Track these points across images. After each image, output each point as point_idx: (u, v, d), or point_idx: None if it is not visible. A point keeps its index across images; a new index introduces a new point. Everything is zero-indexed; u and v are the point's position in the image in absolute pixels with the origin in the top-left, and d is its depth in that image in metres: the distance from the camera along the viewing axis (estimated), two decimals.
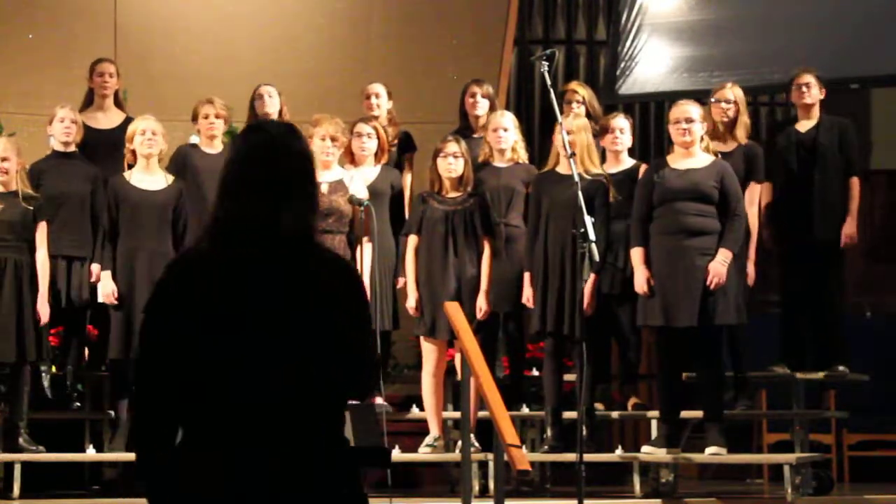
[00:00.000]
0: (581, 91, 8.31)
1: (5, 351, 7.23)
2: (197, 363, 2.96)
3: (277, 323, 2.97)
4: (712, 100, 7.78)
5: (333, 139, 7.56)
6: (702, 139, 7.22)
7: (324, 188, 7.44)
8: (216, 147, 7.95)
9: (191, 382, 2.97)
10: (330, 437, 3.03)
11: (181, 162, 7.83)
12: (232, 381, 2.95)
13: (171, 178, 7.55)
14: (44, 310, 7.34)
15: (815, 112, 8.03)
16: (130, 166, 7.60)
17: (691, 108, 7.20)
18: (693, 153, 7.18)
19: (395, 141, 8.35)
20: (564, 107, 8.25)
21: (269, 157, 3.08)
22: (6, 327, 7.23)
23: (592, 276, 6.91)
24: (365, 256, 7.15)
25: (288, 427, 2.94)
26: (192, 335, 2.96)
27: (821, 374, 8.04)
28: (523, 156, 7.82)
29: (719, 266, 6.99)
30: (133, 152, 7.52)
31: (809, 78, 8.00)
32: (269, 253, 3.01)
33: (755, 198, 7.70)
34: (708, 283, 6.97)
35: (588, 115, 8.08)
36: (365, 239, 7.21)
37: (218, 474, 2.94)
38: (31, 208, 7.37)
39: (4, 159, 7.35)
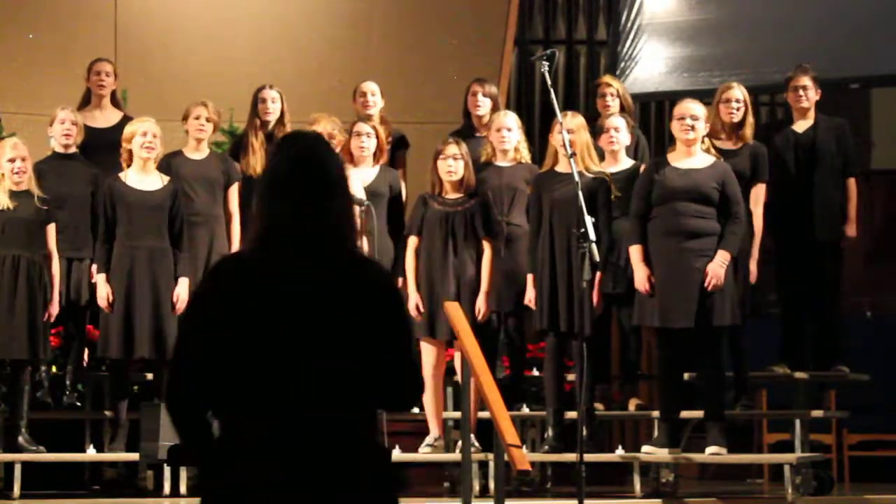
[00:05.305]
0: (615, 84, 8.36)
1: (18, 348, 7.25)
2: (234, 364, 3.01)
3: (316, 328, 3.02)
4: (721, 99, 7.77)
5: (331, 137, 7.57)
6: (703, 140, 7.23)
7: None
8: (202, 151, 7.96)
9: (227, 383, 3.02)
10: (366, 443, 3.07)
11: (164, 172, 7.79)
12: (269, 384, 3.00)
13: (166, 179, 7.56)
14: (55, 310, 7.40)
15: (812, 113, 8.04)
16: (127, 165, 7.60)
17: (696, 107, 7.21)
18: (693, 153, 7.18)
19: (389, 139, 8.35)
20: (598, 100, 8.32)
21: (310, 165, 3.15)
22: (19, 326, 7.26)
23: (598, 274, 6.91)
24: None
25: (324, 430, 2.99)
26: (232, 335, 3.01)
27: (821, 374, 8.05)
28: (526, 156, 7.83)
29: (718, 268, 6.99)
30: (129, 152, 7.52)
31: (807, 80, 8.00)
32: (311, 258, 3.08)
33: (760, 197, 7.71)
34: (706, 284, 6.97)
35: (622, 108, 8.12)
36: (360, 238, 7.26)
37: (242, 479, 2.97)
38: (45, 208, 7.41)
39: (23, 159, 7.39)
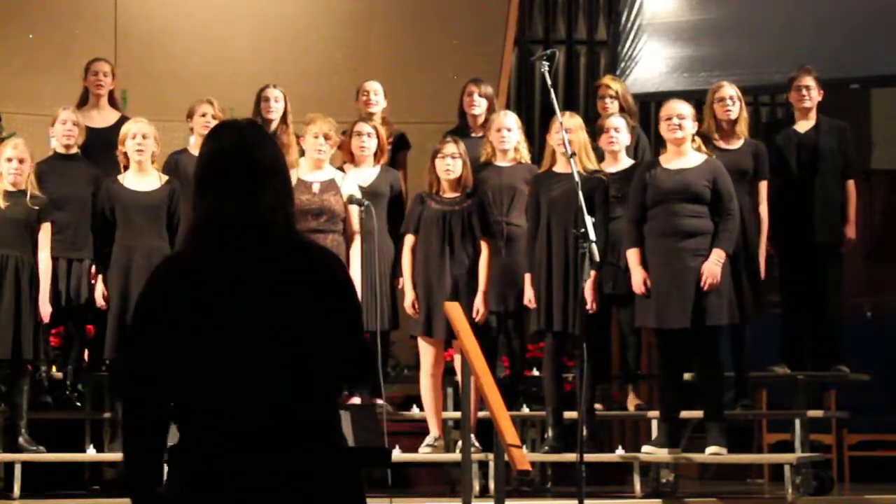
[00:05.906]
0: (614, 85, 8.34)
1: (1, 349, 7.23)
2: (186, 367, 2.96)
3: (266, 320, 2.96)
4: (714, 99, 7.78)
5: (326, 137, 7.58)
6: (693, 139, 7.24)
7: (315, 188, 7.49)
8: None
9: (184, 386, 2.97)
10: (327, 435, 3.02)
11: (172, 170, 7.78)
12: (225, 383, 2.95)
13: (164, 178, 7.55)
14: (45, 309, 7.37)
15: (813, 114, 8.05)
16: (125, 167, 7.60)
17: (682, 106, 7.24)
18: (684, 152, 7.19)
19: (390, 140, 8.36)
20: (598, 101, 8.32)
21: (244, 153, 3.06)
22: (5, 325, 7.24)
23: (593, 273, 6.91)
24: (354, 255, 7.22)
25: (284, 426, 2.94)
26: (181, 339, 2.95)
27: (821, 374, 8.05)
28: (526, 156, 7.84)
29: (713, 266, 6.99)
30: (125, 154, 7.52)
31: (809, 80, 8.02)
32: (251, 249, 3.01)
33: (764, 195, 7.74)
34: (702, 283, 6.97)
35: (622, 109, 8.12)
36: (356, 238, 7.27)
37: (216, 480, 2.94)
38: (37, 208, 7.40)
39: (21, 160, 7.39)
